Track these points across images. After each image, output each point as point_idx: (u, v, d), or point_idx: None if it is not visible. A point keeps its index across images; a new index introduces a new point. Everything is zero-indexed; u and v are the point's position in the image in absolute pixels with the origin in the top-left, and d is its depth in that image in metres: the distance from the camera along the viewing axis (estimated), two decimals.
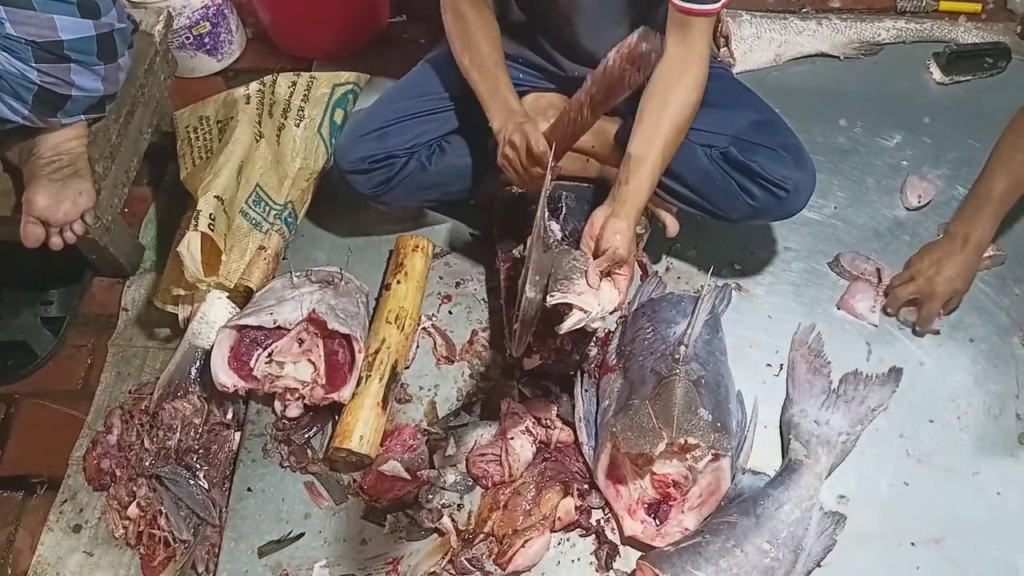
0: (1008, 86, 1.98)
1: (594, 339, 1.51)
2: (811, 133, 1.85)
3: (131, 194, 1.65)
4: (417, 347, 1.57)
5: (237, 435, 1.48)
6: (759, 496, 1.33)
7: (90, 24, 1.26)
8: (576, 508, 1.36)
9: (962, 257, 1.54)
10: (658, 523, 1.33)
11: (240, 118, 1.67)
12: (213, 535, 1.38)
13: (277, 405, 1.45)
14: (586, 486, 1.38)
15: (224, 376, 1.41)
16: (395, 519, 1.37)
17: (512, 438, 1.40)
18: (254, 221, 1.61)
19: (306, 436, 1.45)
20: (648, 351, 1.43)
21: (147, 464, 1.42)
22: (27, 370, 1.59)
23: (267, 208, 1.64)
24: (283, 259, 1.66)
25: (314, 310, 1.42)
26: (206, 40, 1.99)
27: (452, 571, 1.32)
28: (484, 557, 1.33)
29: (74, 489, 1.45)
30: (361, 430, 1.38)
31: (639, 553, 1.32)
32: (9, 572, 1.39)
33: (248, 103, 1.73)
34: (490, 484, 1.39)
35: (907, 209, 1.76)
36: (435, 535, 1.36)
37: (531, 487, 1.37)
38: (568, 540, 1.37)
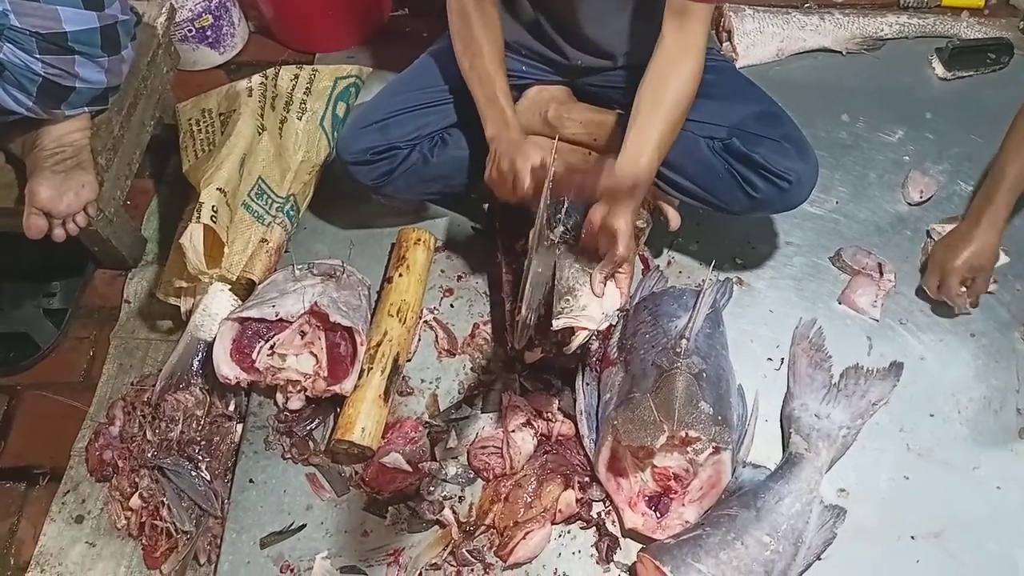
0: (1010, 81, 1.98)
1: (595, 334, 1.51)
2: (813, 128, 1.85)
3: (133, 186, 1.65)
4: (419, 340, 1.57)
5: (239, 427, 1.48)
6: (759, 489, 1.33)
7: (94, 16, 1.27)
8: (577, 501, 1.36)
9: (978, 234, 1.55)
10: (659, 516, 1.33)
11: (242, 111, 1.67)
12: (215, 526, 1.39)
13: (279, 397, 1.45)
14: (587, 479, 1.39)
15: (226, 368, 1.41)
16: (396, 511, 1.38)
17: (513, 431, 1.40)
18: (256, 214, 1.61)
19: (308, 428, 1.45)
20: (649, 345, 1.44)
21: (149, 455, 1.42)
22: (29, 362, 1.59)
23: (269, 201, 1.64)
24: (285, 252, 1.66)
25: (316, 303, 1.43)
26: (208, 33, 1.99)
27: (453, 563, 1.33)
28: (485, 549, 1.33)
29: (76, 480, 1.46)
30: (363, 422, 1.38)
31: (640, 545, 1.33)
32: (12, 562, 1.40)
33: (250, 96, 1.73)
34: (491, 476, 1.39)
35: (909, 204, 1.77)
36: (436, 527, 1.36)
37: (532, 479, 1.37)
38: (569, 532, 1.37)
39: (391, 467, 1.40)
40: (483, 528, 1.35)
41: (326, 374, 1.44)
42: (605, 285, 1.29)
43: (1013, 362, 1.55)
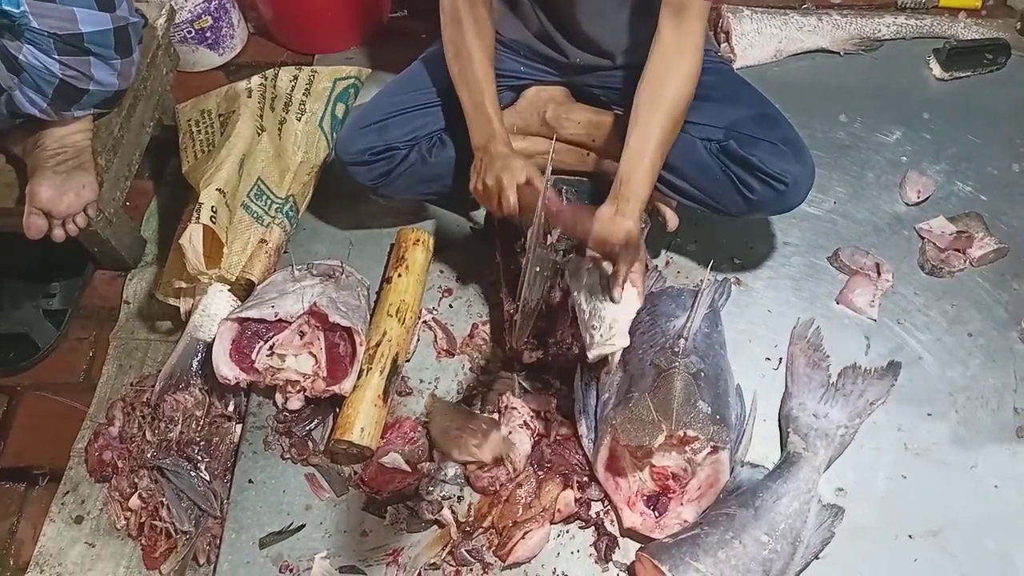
0: (1008, 82, 1.99)
1: None
2: (811, 128, 1.85)
3: (133, 187, 1.66)
4: (418, 340, 1.57)
5: (238, 427, 1.49)
6: (758, 488, 1.33)
7: (107, 17, 1.28)
8: (576, 500, 1.36)
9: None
10: (657, 515, 1.33)
11: (242, 112, 1.67)
12: (214, 526, 1.39)
13: (278, 397, 1.46)
14: (586, 478, 1.39)
15: (225, 368, 1.42)
16: (395, 511, 1.38)
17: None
18: (255, 214, 1.61)
19: (307, 428, 1.46)
20: (648, 344, 1.44)
21: (149, 456, 1.42)
22: (29, 362, 1.59)
23: (268, 201, 1.64)
24: (284, 252, 1.67)
25: (315, 303, 1.43)
26: (208, 34, 2.00)
27: (452, 562, 1.33)
28: (484, 549, 1.34)
29: (76, 481, 1.46)
30: (362, 422, 1.39)
31: (638, 545, 1.33)
32: (11, 563, 1.40)
33: (250, 97, 1.73)
34: (498, 487, 1.38)
35: (906, 204, 1.77)
36: (435, 527, 1.37)
37: (531, 480, 1.37)
38: (568, 532, 1.37)
39: (390, 467, 1.41)
40: (482, 528, 1.35)
41: (325, 374, 1.44)
42: (624, 289, 1.27)
43: (1011, 361, 1.55)
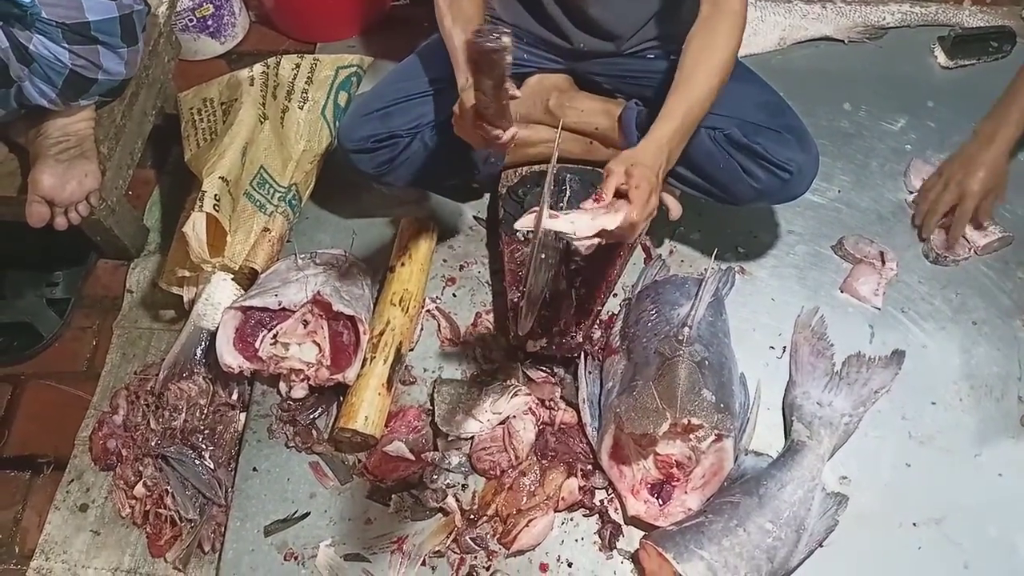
0: (1013, 70, 1.93)
1: (598, 322, 1.52)
2: (815, 117, 1.85)
3: (135, 176, 1.66)
4: (421, 329, 1.57)
5: (242, 416, 1.49)
6: (762, 477, 1.33)
7: (113, 5, 1.29)
8: (580, 488, 1.37)
9: (991, 154, 1.56)
10: (661, 503, 1.34)
11: (244, 100, 1.67)
12: (219, 514, 1.39)
13: (282, 386, 1.46)
14: (590, 467, 1.39)
15: (229, 357, 1.42)
16: (400, 499, 1.38)
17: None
18: (258, 203, 1.61)
19: (311, 417, 1.46)
20: (652, 333, 1.44)
21: (153, 444, 1.43)
22: (33, 351, 1.60)
23: (271, 190, 1.64)
24: (288, 241, 1.66)
25: (319, 292, 1.43)
26: (209, 22, 1.99)
27: (457, 550, 1.33)
28: (488, 536, 1.34)
29: (80, 469, 1.46)
30: (366, 411, 1.39)
31: (642, 533, 1.33)
32: (17, 551, 1.40)
33: (252, 85, 1.73)
34: (499, 473, 1.38)
35: (911, 193, 1.76)
36: (440, 515, 1.37)
37: (535, 468, 1.38)
38: (572, 520, 1.37)
39: (394, 455, 1.41)
40: (486, 516, 1.35)
41: (329, 363, 1.44)
42: (602, 204, 1.15)
43: (1015, 350, 1.55)
